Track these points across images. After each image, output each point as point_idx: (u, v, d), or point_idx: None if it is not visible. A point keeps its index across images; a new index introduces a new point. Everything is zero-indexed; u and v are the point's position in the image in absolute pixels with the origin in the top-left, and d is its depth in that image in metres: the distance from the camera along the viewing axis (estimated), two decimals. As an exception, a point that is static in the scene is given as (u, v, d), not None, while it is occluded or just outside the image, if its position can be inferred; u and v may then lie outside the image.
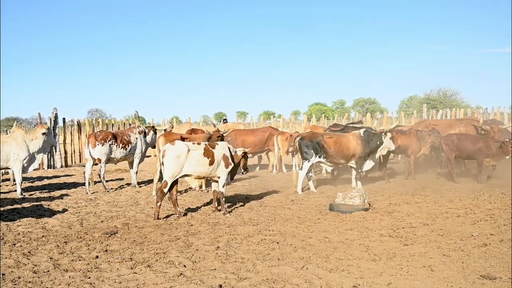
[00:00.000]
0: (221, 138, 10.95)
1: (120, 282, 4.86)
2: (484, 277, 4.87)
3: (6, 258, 5.59)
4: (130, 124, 21.16)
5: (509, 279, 4.81)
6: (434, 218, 7.64)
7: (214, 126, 12.52)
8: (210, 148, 8.11)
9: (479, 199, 9.13)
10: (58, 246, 6.19)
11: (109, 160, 11.20)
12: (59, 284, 4.78)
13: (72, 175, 14.60)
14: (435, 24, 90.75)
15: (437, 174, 12.75)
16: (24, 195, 10.22)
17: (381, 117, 28.01)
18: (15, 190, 10.47)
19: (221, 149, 8.23)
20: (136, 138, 11.65)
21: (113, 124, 21.53)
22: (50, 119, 16.78)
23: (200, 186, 10.85)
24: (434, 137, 12.33)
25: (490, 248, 5.90)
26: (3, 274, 5.02)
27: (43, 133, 10.42)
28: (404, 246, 6.10)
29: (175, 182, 8.01)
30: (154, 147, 12.26)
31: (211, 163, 8.04)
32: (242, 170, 8.76)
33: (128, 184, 12.03)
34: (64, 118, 18.35)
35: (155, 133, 12.24)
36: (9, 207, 8.93)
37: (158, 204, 7.88)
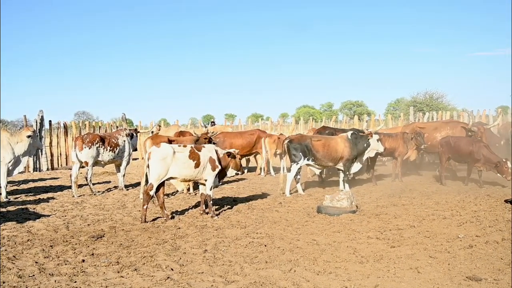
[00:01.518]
0: (209, 140, 10.95)
1: (106, 286, 4.81)
2: (470, 279, 4.91)
3: (-10, 262, 5.52)
4: (117, 127, 21.05)
5: (495, 280, 4.86)
6: (421, 220, 7.69)
7: (205, 127, 12.53)
8: (196, 151, 8.07)
9: (465, 201, 9.22)
10: (43, 250, 6.13)
11: (96, 163, 11.12)
12: (45, 289, 4.72)
13: (58, 178, 14.48)
14: (422, 27, 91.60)
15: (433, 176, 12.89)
16: (9, 199, 10.10)
17: (368, 119, 28.18)
18: (0, 193, 10.33)
19: (207, 151, 8.20)
20: (124, 141, 11.60)
21: (100, 127, 21.38)
22: (36, 122, 16.62)
23: (188, 189, 10.82)
24: (416, 140, 12.42)
25: (475, 250, 5.96)
26: (-13, 279, 4.95)
27: (28, 136, 10.29)
28: (391, 248, 6.13)
29: (161, 185, 7.97)
30: (135, 149, 12.32)
31: (197, 165, 8.00)
32: (235, 171, 8.67)
33: (115, 187, 11.95)
34: (50, 121, 18.19)
35: (137, 135, 12.29)
36: (-7, 210, 8.82)
37: (145, 207, 7.84)
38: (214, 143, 10.61)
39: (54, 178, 14.35)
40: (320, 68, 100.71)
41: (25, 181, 13.53)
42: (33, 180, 13.80)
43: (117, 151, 11.38)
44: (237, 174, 8.83)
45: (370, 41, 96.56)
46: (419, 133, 12.52)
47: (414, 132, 12.67)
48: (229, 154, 8.47)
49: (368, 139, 10.73)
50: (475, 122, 16.86)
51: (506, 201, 8.93)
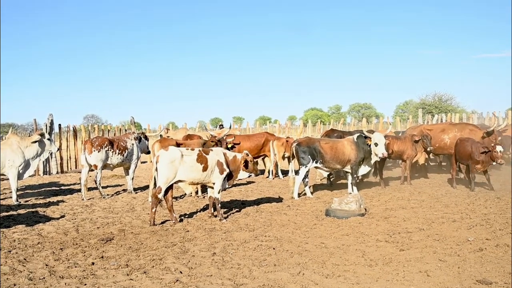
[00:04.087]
0: (216, 143, 10.98)
1: (116, 289, 4.84)
2: (480, 282, 4.88)
3: (1, 265, 5.56)
4: (126, 130, 21.15)
5: (505, 284, 4.82)
6: (430, 223, 7.65)
7: (229, 128, 12.74)
8: (204, 154, 8.09)
9: (475, 204, 9.16)
10: (53, 252, 6.17)
11: (105, 166, 11.18)
12: (55, 291, 4.76)
13: (68, 181, 14.55)
14: (430, 28, 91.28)
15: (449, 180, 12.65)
16: (20, 202, 10.18)
17: (377, 122, 28.09)
18: (11, 197, 10.42)
19: (215, 155, 8.21)
20: (132, 144, 11.66)
21: (109, 130, 21.49)
22: (46, 125, 16.74)
23: (196, 192, 10.85)
24: (423, 142, 12.35)
25: (486, 253, 5.92)
26: (-2, 282, 5.00)
27: (33, 142, 10.38)
28: (400, 251, 6.10)
29: (169, 188, 7.99)
30: (149, 152, 12.35)
31: (205, 169, 8.02)
32: (248, 174, 8.64)
33: (124, 190, 12.00)
34: (60, 124, 18.31)
35: (146, 139, 12.29)
36: (4, 213, 8.90)
37: (153, 210, 7.86)
38: (228, 148, 10.66)
39: (64, 182, 14.44)
40: (328, 70, 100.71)
41: (36, 185, 13.63)
42: (43, 184, 13.90)
43: (125, 154, 11.45)
44: (249, 176, 8.84)
45: (377, 43, 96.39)
46: (425, 135, 12.45)
47: (421, 134, 12.60)
48: (246, 165, 8.48)
49: (368, 143, 10.63)
50: (482, 124, 16.78)
51: None
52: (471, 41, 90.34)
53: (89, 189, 11.69)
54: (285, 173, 14.80)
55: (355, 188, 10.74)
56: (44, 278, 5.16)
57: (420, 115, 26.20)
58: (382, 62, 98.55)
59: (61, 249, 6.37)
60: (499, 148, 10.36)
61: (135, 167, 11.84)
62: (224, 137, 11.93)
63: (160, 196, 7.84)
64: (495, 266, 5.39)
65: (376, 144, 10.50)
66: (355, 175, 10.76)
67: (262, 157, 14.91)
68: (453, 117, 24.43)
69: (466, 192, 10.74)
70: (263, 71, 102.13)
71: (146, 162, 20.01)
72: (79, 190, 11.20)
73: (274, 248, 6.33)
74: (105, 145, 10.97)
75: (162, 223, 8.02)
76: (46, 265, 5.64)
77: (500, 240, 6.47)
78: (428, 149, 12.44)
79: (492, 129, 12.35)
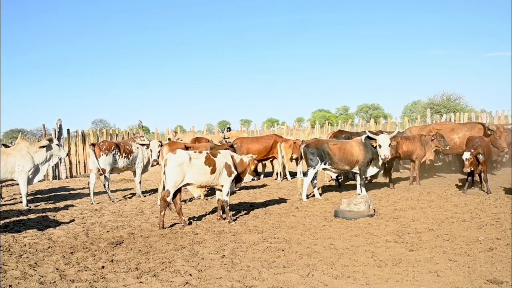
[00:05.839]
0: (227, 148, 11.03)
1: (126, 292, 4.86)
2: (491, 282, 4.85)
3: (12, 269, 5.61)
4: (134, 134, 21.23)
5: (516, 283, 4.79)
6: (440, 223, 7.62)
7: (222, 132, 12.73)
8: (212, 157, 8.11)
9: (485, 204, 9.11)
10: (64, 256, 6.21)
11: (112, 169, 11.24)
12: (66, 295, 4.79)
13: (77, 185, 14.64)
14: (438, 28, 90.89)
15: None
16: (30, 207, 10.26)
17: (385, 122, 27.99)
18: (21, 202, 10.51)
19: (222, 157, 8.23)
20: (137, 148, 11.71)
21: (117, 134, 21.58)
22: (55, 130, 16.86)
23: (205, 195, 10.87)
24: (438, 142, 12.24)
25: (496, 253, 5.88)
26: (10, 286, 5.04)
27: (42, 147, 10.46)
28: (410, 252, 6.08)
29: (178, 191, 8.02)
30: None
31: (213, 171, 8.04)
32: (252, 177, 8.68)
33: (133, 194, 12.04)
34: (68, 129, 18.43)
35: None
36: (15, 218, 8.97)
37: (162, 213, 7.89)
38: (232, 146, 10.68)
39: (73, 186, 14.53)
40: (335, 71, 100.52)
41: (45, 189, 13.73)
42: (53, 188, 13.99)
43: (131, 158, 11.52)
44: (253, 179, 8.83)
45: (385, 44, 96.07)
46: (441, 135, 12.27)
47: (436, 134, 12.42)
48: (257, 173, 8.51)
49: (373, 145, 10.55)
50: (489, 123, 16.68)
51: None
52: (480, 40, 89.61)
53: (98, 193, 11.75)
54: (293, 175, 14.79)
55: (363, 189, 10.70)
56: (54, 282, 5.20)
57: (429, 115, 26.05)
58: (390, 63, 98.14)
59: (71, 253, 6.41)
60: (465, 155, 9.80)
61: (141, 170, 11.87)
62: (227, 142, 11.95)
63: (169, 199, 7.87)
64: (506, 266, 5.35)
65: (379, 146, 10.42)
66: (363, 176, 10.73)
67: (271, 159, 14.92)
68: (462, 117, 24.31)
69: (476, 192, 10.64)
70: (270, 73, 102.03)
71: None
72: (88, 195, 11.26)
73: (283, 250, 6.33)
74: (112, 148, 11.04)
75: (171, 226, 8.05)
76: (57, 269, 5.68)
77: (510, 239, 6.43)
78: (447, 148, 12.23)
79: (491, 126, 12.22)
